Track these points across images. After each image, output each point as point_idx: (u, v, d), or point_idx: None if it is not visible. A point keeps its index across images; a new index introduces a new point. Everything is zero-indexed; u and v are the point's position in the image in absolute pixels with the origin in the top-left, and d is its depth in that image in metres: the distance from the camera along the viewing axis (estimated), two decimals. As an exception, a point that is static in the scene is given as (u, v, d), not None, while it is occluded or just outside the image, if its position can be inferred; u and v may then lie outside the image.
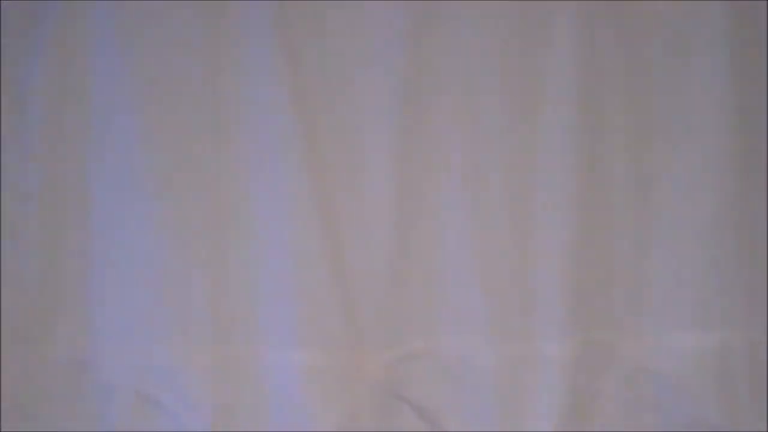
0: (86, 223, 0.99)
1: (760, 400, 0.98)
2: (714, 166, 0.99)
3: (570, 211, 0.98)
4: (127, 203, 0.99)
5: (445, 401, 1.00)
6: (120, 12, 0.98)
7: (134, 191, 0.99)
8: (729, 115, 0.98)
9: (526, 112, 0.99)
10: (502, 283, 0.99)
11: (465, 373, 1.00)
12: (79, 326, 1.00)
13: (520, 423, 0.98)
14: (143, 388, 1.00)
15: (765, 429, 0.98)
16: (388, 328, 1.00)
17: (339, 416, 0.98)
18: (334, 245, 0.99)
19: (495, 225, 0.99)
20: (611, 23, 0.99)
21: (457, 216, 1.00)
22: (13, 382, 0.99)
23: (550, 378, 0.98)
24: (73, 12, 0.99)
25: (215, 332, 0.99)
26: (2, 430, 0.98)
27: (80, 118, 0.99)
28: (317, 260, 0.98)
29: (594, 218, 0.99)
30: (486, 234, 0.99)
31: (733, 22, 0.98)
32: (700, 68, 0.99)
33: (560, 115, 0.99)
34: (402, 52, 0.98)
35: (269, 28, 0.97)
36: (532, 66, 0.99)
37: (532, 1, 0.98)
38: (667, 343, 0.99)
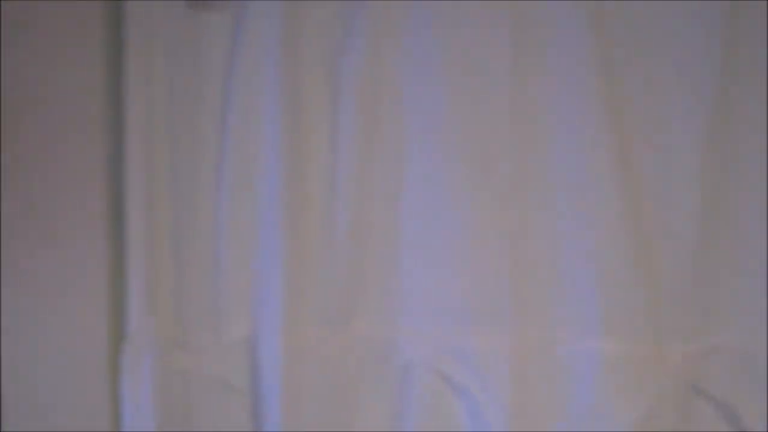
0: (394, 211, 1.02)
1: None
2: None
3: None
4: (436, 191, 1.01)
5: (744, 397, 0.99)
6: (436, 11, 0.99)
7: (443, 180, 1.01)
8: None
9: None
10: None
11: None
12: (383, 307, 1.03)
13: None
14: (443, 368, 1.02)
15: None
16: (689, 321, 0.99)
17: (639, 407, 0.98)
18: (639, 236, 0.99)
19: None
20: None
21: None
22: (321, 361, 1.03)
23: None
24: (388, 12, 1.00)
25: (515, 316, 1.01)
26: (310, 404, 1.02)
27: (393, 115, 1.01)
28: (622, 249, 0.98)
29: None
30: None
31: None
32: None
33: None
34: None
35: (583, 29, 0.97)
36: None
37: None
38: None
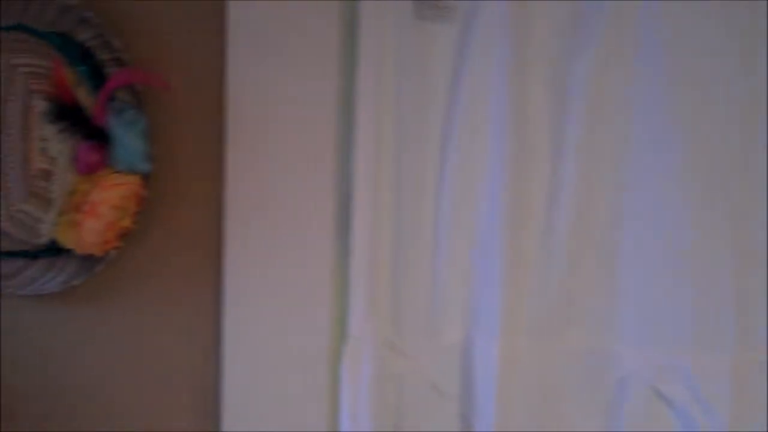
0: (614, 223, 1.01)
1: None
2: None
3: None
4: (659, 206, 1.00)
5: None
6: (666, 14, 0.98)
7: (668, 196, 1.00)
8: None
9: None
10: None
11: None
12: (600, 320, 1.03)
13: None
14: (660, 385, 1.01)
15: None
16: None
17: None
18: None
19: None
20: None
21: None
22: (535, 370, 1.03)
23: None
24: (620, 12, 1.00)
25: (738, 336, 0.99)
26: (522, 413, 1.03)
27: (619, 125, 1.01)
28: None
29: None
30: None
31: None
32: None
33: None
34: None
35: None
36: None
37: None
38: None
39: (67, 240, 0.99)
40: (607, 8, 1.01)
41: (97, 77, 1.00)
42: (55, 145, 0.96)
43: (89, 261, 1.04)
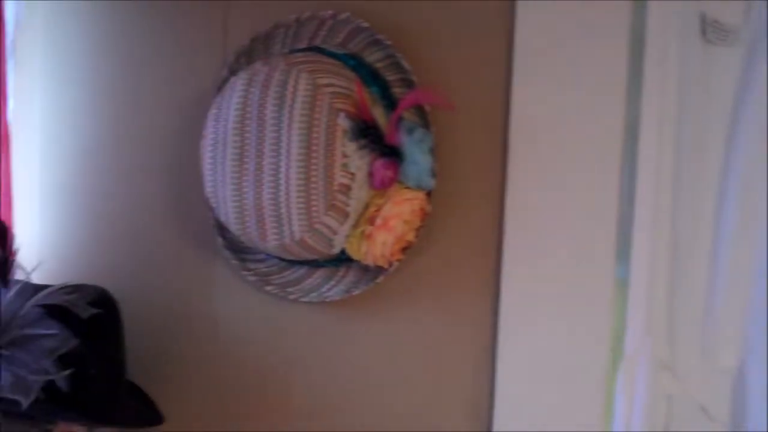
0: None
1: None
2: None
3: None
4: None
5: None
6: None
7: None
8: None
9: None
10: None
11: None
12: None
13: None
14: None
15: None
16: None
17: None
18: None
19: None
20: None
21: None
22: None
23: None
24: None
25: None
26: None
27: None
28: None
29: None
30: None
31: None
32: None
33: None
34: None
35: None
36: None
37: None
38: None
39: (356, 251, 1.04)
40: None
41: (386, 97, 1.04)
42: (355, 162, 1.00)
43: (369, 272, 1.08)
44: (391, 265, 1.06)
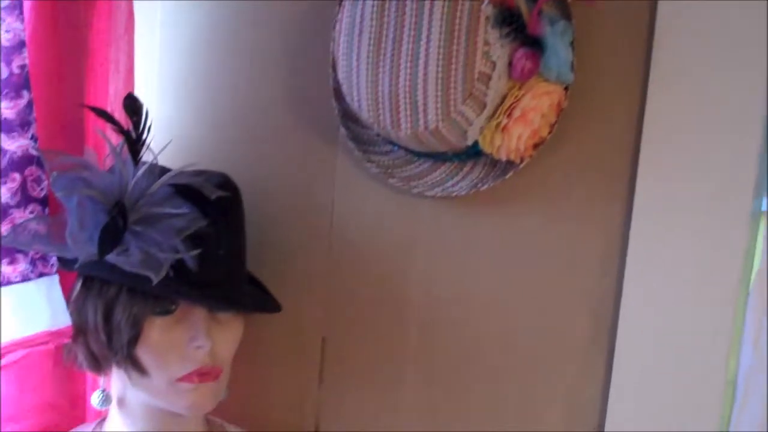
0: None
1: None
2: None
3: None
4: None
5: None
6: None
7: None
8: None
9: None
10: None
11: None
12: None
13: None
14: None
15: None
16: None
17: None
18: None
19: None
20: None
21: None
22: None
23: None
24: None
25: None
26: None
27: None
28: None
29: None
30: None
31: None
32: None
33: None
34: None
35: None
36: None
37: None
38: None
39: (489, 144, 1.01)
40: None
41: (529, -14, 1.01)
42: (497, 50, 0.97)
43: (497, 167, 1.06)
44: (522, 160, 1.03)
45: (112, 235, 0.94)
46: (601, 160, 1.05)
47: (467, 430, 1.13)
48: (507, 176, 1.05)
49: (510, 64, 0.99)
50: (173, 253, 0.95)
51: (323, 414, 1.20)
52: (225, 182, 1.04)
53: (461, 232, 1.11)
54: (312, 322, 1.18)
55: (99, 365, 1.03)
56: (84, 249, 0.93)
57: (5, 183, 1.00)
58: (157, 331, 0.99)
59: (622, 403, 1.04)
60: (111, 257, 0.92)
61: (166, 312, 1.00)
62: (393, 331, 1.15)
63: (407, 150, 1.08)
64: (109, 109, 1.07)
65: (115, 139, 0.96)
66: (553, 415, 1.09)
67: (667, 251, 1.02)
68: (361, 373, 1.17)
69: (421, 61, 0.97)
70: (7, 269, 1.01)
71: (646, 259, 1.03)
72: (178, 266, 0.95)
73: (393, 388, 1.16)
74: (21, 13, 0.98)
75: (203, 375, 1.00)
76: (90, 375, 1.11)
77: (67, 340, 1.04)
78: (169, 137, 1.09)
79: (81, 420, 1.13)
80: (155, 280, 0.93)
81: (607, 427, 1.05)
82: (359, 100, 1.01)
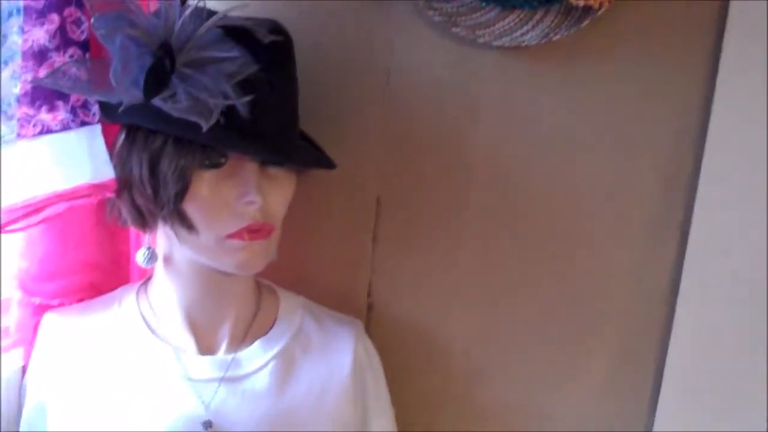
0: None
1: None
2: None
3: None
4: None
5: None
6: None
7: None
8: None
9: None
10: None
11: None
12: None
13: None
14: None
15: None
16: None
17: None
18: None
19: None
20: None
21: None
22: None
23: None
24: None
25: None
26: None
27: None
28: None
29: None
30: None
31: None
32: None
33: None
34: None
35: None
36: None
37: None
38: None
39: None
40: None
41: None
42: None
43: (573, 15, 0.97)
44: (601, 6, 0.94)
45: (158, 76, 0.87)
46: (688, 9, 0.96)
47: (526, 292, 1.08)
48: (583, 25, 0.96)
49: None
50: (223, 99, 0.88)
51: (376, 275, 1.14)
52: (277, 27, 0.96)
53: (530, 87, 1.03)
54: (367, 181, 1.12)
55: (144, 221, 0.97)
56: (128, 92, 0.87)
57: (43, 25, 0.92)
58: (205, 185, 0.93)
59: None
60: (157, 102, 0.86)
61: (215, 165, 0.94)
62: (450, 191, 1.09)
63: (474, -8, 1.00)
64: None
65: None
66: (621, 290, 1.03)
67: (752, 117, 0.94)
68: (416, 234, 1.11)
69: None
70: (46, 117, 0.95)
71: (730, 120, 0.95)
72: (228, 116, 0.88)
73: (448, 252, 1.10)
74: None
75: (254, 232, 0.95)
76: (134, 236, 1.05)
77: (110, 194, 0.98)
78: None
79: (125, 280, 1.09)
80: (205, 126, 0.86)
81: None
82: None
